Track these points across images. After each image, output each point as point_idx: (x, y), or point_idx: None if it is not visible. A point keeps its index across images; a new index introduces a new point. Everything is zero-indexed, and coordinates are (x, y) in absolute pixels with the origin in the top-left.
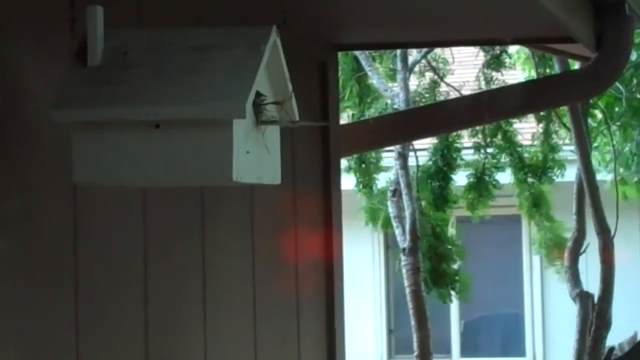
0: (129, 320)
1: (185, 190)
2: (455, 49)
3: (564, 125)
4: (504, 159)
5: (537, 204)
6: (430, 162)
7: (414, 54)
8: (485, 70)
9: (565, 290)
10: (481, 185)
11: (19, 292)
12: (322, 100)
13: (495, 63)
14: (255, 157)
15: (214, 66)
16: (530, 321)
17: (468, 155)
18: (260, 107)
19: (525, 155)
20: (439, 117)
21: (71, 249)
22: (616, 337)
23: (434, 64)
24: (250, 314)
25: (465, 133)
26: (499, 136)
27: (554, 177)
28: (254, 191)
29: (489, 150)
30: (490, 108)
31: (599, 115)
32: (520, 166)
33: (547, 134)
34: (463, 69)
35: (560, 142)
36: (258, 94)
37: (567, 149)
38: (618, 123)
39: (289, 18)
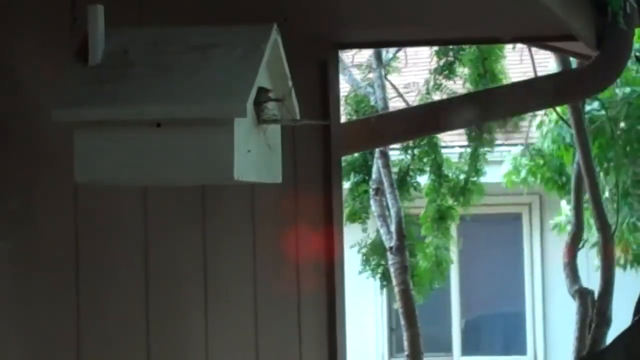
0: (130, 320)
1: (186, 188)
2: (411, 51)
3: (564, 121)
4: (426, 164)
5: (442, 218)
6: (357, 156)
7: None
8: (437, 77)
9: (566, 288)
10: (402, 185)
11: (20, 290)
12: (323, 99)
13: (448, 70)
14: (257, 156)
15: (215, 65)
16: (531, 319)
17: (395, 155)
18: (261, 106)
19: (449, 172)
20: (441, 115)
21: (72, 248)
22: (616, 334)
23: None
24: (251, 312)
25: None
26: (425, 140)
27: (469, 202)
28: (255, 190)
29: (416, 151)
30: (492, 106)
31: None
32: (438, 175)
33: (474, 155)
34: (417, 70)
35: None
36: (261, 89)
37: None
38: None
39: (289, 16)
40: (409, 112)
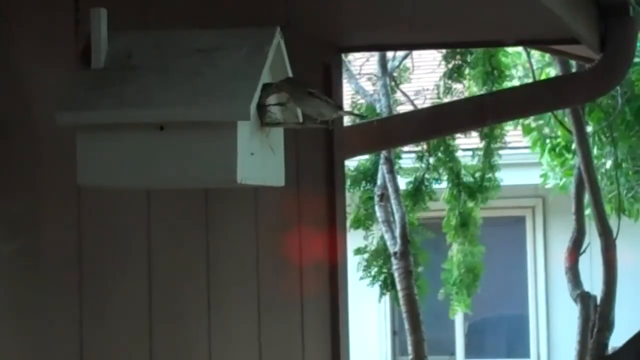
0: (134, 321)
1: (189, 192)
2: (416, 54)
3: (565, 127)
4: (443, 172)
5: (465, 224)
6: (367, 163)
7: (394, 59)
8: (446, 81)
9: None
10: (417, 195)
11: (24, 293)
12: None
13: (457, 73)
14: (260, 159)
15: (218, 68)
16: (534, 322)
17: (407, 163)
18: (264, 109)
19: (463, 173)
20: (443, 118)
21: (75, 252)
22: (619, 339)
23: (395, 73)
24: (255, 314)
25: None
26: (442, 148)
27: (488, 198)
28: (258, 192)
29: (431, 160)
30: (494, 110)
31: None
32: (457, 183)
33: (487, 151)
34: (424, 75)
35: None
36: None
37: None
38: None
39: (292, 20)
40: (411, 116)
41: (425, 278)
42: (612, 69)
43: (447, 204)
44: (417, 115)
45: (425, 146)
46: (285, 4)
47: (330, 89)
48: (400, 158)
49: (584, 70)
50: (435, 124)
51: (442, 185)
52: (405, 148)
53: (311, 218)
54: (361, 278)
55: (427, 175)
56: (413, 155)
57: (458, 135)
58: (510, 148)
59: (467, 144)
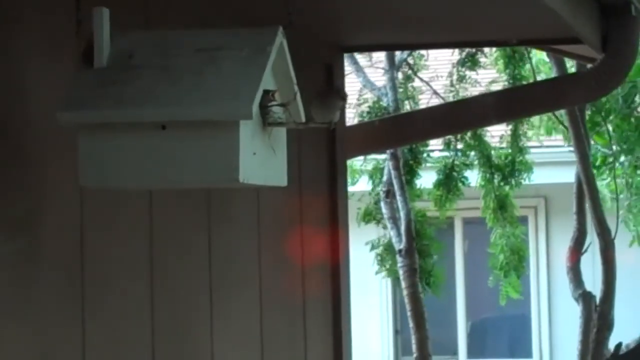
0: (136, 322)
1: (191, 192)
2: None
3: (564, 125)
4: (473, 158)
5: (502, 207)
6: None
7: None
8: (460, 69)
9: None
10: (450, 182)
11: (26, 293)
12: None
13: (470, 61)
14: (262, 158)
15: (220, 68)
16: (536, 322)
17: (436, 154)
18: (266, 109)
19: (494, 156)
20: (446, 117)
21: (78, 251)
22: (619, 338)
23: (410, 59)
24: (257, 315)
25: None
26: (469, 134)
27: (522, 181)
28: (260, 192)
29: (459, 146)
30: (499, 109)
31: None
32: (488, 165)
33: (515, 135)
34: (437, 64)
35: (529, 144)
36: (267, 91)
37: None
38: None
39: (295, 19)
40: (413, 116)
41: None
42: (614, 69)
43: (481, 188)
44: (419, 115)
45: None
46: (288, 3)
47: (332, 87)
48: (427, 145)
49: (585, 70)
50: (437, 123)
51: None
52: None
53: (313, 217)
54: (376, 272)
55: (456, 162)
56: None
57: None
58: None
59: (495, 130)
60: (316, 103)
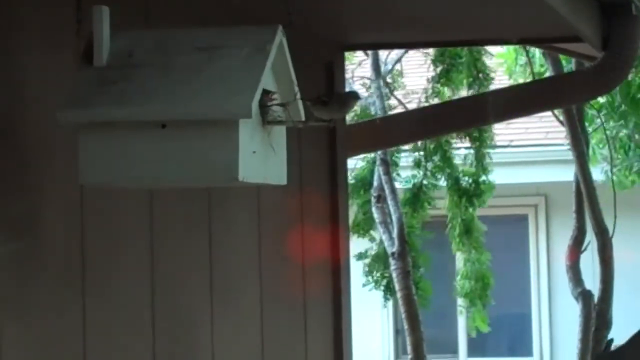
0: (137, 321)
1: (191, 191)
2: (405, 58)
3: (564, 125)
4: (441, 179)
5: (468, 231)
6: (365, 172)
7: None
8: (434, 85)
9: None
10: (416, 202)
11: (27, 293)
12: None
13: (444, 77)
14: (262, 157)
15: (220, 66)
16: (537, 321)
17: (406, 170)
18: (266, 108)
19: (462, 177)
20: (445, 117)
21: (78, 250)
22: (617, 337)
23: (389, 79)
24: (257, 313)
25: (406, 147)
26: (439, 155)
27: (484, 200)
28: (261, 191)
29: (429, 165)
30: (496, 108)
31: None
32: (456, 189)
33: (478, 156)
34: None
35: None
36: (266, 91)
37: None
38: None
39: (295, 18)
40: (414, 114)
41: (428, 278)
42: (614, 67)
43: (449, 211)
44: (420, 113)
45: (422, 152)
46: (287, 2)
47: (333, 87)
48: (397, 165)
49: (586, 68)
50: (437, 121)
51: (440, 193)
52: (403, 154)
53: (314, 216)
54: (364, 284)
55: (424, 182)
56: (410, 160)
57: (454, 140)
58: (513, 146)
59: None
60: (333, 106)
